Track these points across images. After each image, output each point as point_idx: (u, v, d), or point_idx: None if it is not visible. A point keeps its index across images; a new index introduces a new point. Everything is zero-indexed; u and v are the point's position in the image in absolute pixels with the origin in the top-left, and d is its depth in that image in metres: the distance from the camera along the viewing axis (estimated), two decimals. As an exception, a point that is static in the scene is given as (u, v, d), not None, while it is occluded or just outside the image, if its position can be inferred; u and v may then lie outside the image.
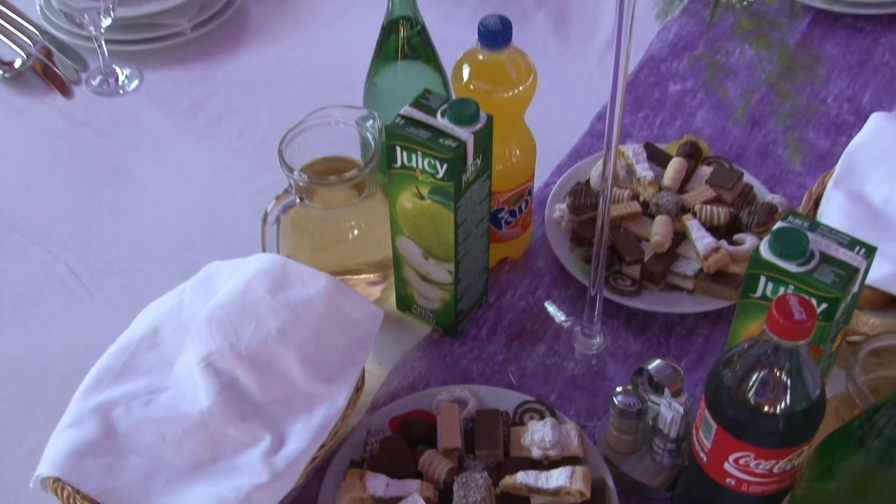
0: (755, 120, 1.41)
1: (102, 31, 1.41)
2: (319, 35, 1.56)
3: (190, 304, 1.02)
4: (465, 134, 0.98)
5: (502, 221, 1.19)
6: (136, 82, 1.48)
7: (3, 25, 1.55)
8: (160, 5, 1.52)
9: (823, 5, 1.52)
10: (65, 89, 1.47)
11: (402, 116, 1.00)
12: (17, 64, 1.49)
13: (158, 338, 1.01)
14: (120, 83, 1.48)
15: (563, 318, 1.19)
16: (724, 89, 1.33)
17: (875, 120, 1.19)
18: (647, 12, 1.57)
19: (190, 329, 1.00)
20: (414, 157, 1.00)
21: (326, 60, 1.51)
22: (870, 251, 0.87)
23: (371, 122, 1.09)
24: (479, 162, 1.02)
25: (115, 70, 1.48)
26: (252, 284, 1.00)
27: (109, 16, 1.39)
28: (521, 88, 1.10)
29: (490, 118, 1.01)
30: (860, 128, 1.22)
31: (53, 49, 1.51)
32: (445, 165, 0.98)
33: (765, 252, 0.87)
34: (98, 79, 1.48)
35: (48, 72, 1.49)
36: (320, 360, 0.99)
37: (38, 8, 1.55)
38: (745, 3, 1.57)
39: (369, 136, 1.08)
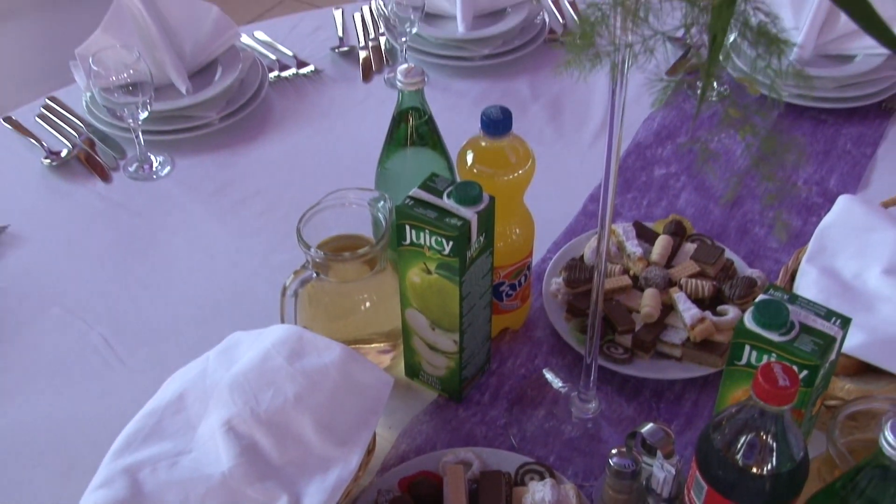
0: (734, 201, 1.41)
1: (140, 123, 1.42)
2: (335, 125, 1.56)
3: (213, 372, 1.00)
4: (469, 214, 0.97)
5: (503, 294, 1.17)
6: (168, 168, 1.48)
7: (52, 120, 1.55)
8: (192, 100, 1.53)
9: (791, 99, 1.51)
10: (105, 175, 1.46)
11: (411, 198, 0.99)
12: (64, 153, 1.48)
13: (183, 403, 0.99)
14: (154, 169, 1.47)
15: (560, 384, 1.17)
16: (714, 171, 1.33)
17: (842, 202, 1.19)
18: (633, 104, 1.57)
19: (213, 395, 0.97)
20: (422, 234, 0.99)
21: (341, 147, 1.51)
22: (845, 322, 0.87)
23: (382, 203, 1.08)
24: (482, 239, 1.01)
25: (149, 157, 1.48)
26: (271, 353, 0.98)
27: (146, 110, 1.40)
28: (520, 172, 1.09)
29: (492, 199, 1.00)
30: (828, 209, 1.22)
31: (96, 139, 1.52)
32: (451, 243, 0.97)
33: (749, 323, 0.86)
34: (134, 165, 1.47)
35: (90, 160, 1.49)
36: (334, 424, 0.97)
37: (83, 104, 1.55)
38: (726, 95, 1.58)
39: (381, 216, 1.07)
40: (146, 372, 1.15)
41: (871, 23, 0.60)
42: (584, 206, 1.40)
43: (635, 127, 1.54)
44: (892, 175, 1.45)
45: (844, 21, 1.59)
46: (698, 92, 1.57)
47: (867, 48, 1.57)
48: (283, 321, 1.09)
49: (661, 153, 1.50)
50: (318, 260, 1.05)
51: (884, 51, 1.54)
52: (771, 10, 0.58)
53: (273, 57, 1.68)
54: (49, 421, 1.12)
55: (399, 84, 1.08)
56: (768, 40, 0.55)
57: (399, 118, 1.11)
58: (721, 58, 0.58)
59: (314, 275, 1.07)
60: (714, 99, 1.58)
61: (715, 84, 1.58)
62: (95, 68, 1.35)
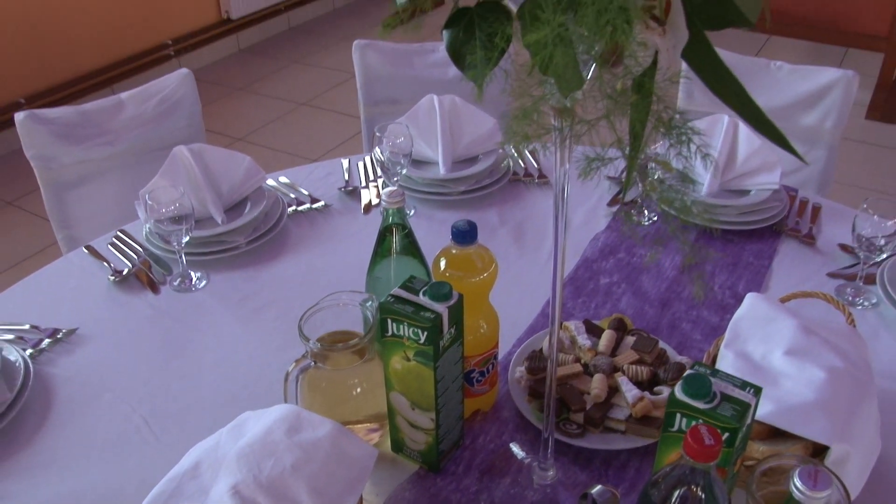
0: (664, 302, 1.35)
1: (183, 246, 1.37)
2: (339, 248, 1.51)
3: (224, 444, 0.91)
4: (441, 308, 0.91)
5: (474, 380, 1.09)
6: (204, 282, 1.41)
7: (120, 246, 1.51)
8: (225, 228, 1.49)
9: (706, 223, 1.51)
10: (155, 288, 1.40)
11: (392, 296, 0.92)
12: (125, 272, 1.43)
13: (199, 470, 0.89)
14: (193, 283, 1.41)
15: (524, 455, 1.07)
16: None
17: (749, 299, 1.14)
18: (581, 228, 1.53)
19: (223, 464, 0.88)
20: (401, 326, 0.91)
21: (344, 265, 1.44)
22: (757, 390, 0.81)
23: (370, 303, 1.00)
24: (453, 331, 0.94)
25: (190, 274, 1.42)
26: (272, 428, 0.89)
27: (188, 236, 1.36)
28: (485, 275, 1.03)
29: (461, 296, 0.93)
30: (739, 306, 1.15)
31: (150, 260, 1.46)
32: (426, 333, 0.90)
33: (679, 394, 0.78)
34: (178, 280, 1.41)
35: (145, 276, 1.43)
36: (326, 489, 0.87)
37: (143, 233, 1.51)
38: (653, 221, 1.54)
39: (369, 313, 1.00)
40: (175, 446, 1.05)
41: (766, 128, 0.56)
42: (543, 308, 1.33)
43: (583, 245, 1.49)
44: (785, 279, 1.40)
45: (740, 164, 1.58)
46: (633, 217, 1.54)
47: (758, 185, 1.56)
48: (286, 402, 1.00)
49: (605, 266, 1.44)
50: (315, 350, 0.97)
51: (772, 186, 1.54)
52: (677, 106, 0.53)
53: (292, 195, 1.64)
54: (97, 487, 1.04)
55: (384, 203, 1.02)
56: (678, 132, 0.50)
57: (385, 232, 1.06)
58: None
59: (313, 363, 0.98)
60: (646, 223, 1.54)
61: (646, 212, 1.55)
62: (150, 203, 1.32)
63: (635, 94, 0.50)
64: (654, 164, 1.42)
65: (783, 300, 1.16)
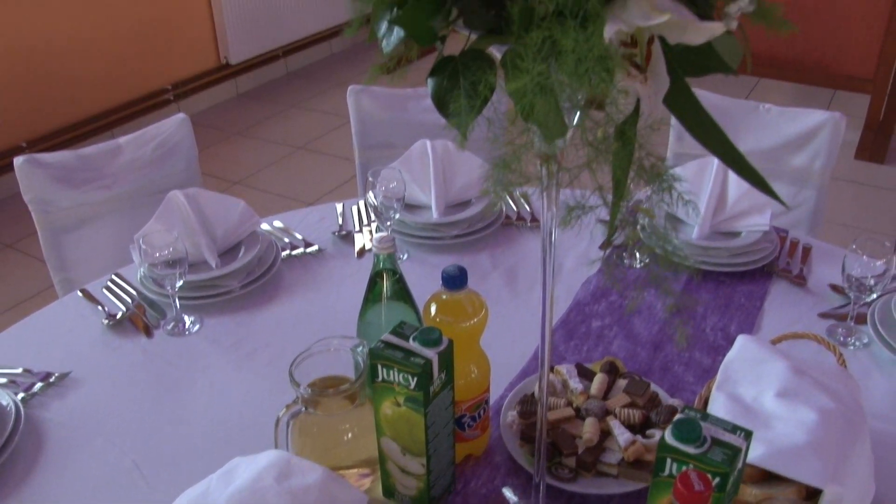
0: (656, 344, 1.34)
1: (176, 290, 1.37)
2: (332, 292, 1.50)
3: (214, 490, 0.89)
4: (431, 354, 0.90)
5: (465, 424, 1.07)
6: (198, 326, 1.41)
7: (114, 290, 1.50)
8: (218, 272, 1.48)
9: (698, 265, 1.50)
10: (148, 332, 1.39)
11: (383, 341, 0.92)
12: (119, 315, 1.42)
13: (187, 520, 0.87)
14: (187, 327, 1.40)
15: (516, 500, 1.06)
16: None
17: (740, 340, 1.13)
18: (574, 271, 1.53)
19: (211, 513, 0.86)
20: (391, 372, 0.90)
21: (337, 309, 1.44)
22: (748, 434, 0.79)
23: (360, 348, 1.00)
24: (443, 376, 0.93)
25: (183, 318, 1.41)
26: (262, 475, 0.88)
27: (182, 280, 1.35)
28: (475, 320, 1.02)
29: (451, 342, 0.93)
30: (731, 348, 1.14)
31: (145, 304, 1.45)
32: (416, 378, 0.89)
33: (669, 439, 0.77)
34: (171, 324, 1.40)
35: (139, 320, 1.42)
36: (315, 537, 0.85)
37: (138, 277, 1.51)
38: (644, 264, 1.53)
39: (359, 358, 0.99)
40: (166, 491, 1.05)
41: (748, 174, 0.56)
42: (535, 352, 1.32)
43: (575, 289, 1.49)
44: (777, 320, 1.40)
45: (730, 206, 1.59)
46: (624, 259, 1.54)
47: (748, 226, 1.56)
48: (276, 447, 0.98)
49: (597, 309, 1.43)
50: (306, 396, 0.96)
51: (762, 227, 1.54)
52: (657, 152, 0.53)
53: (286, 240, 1.64)
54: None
55: (374, 248, 1.02)
56: (661, 178, 0.50)
57: (375, 277, 1.05)
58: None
59: (303, 409, 0.97)
60: (637, 266, 1.54)
61: (638, 255, 1.55)
62: (144, 247, 1.32)
63: (617, 141, 0.50)
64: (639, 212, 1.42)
65: (774, 341, 1.16)
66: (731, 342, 1.18)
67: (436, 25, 0.54)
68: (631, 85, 0.50)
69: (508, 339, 1.33)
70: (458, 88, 0.53)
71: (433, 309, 1.02)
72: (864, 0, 4.39)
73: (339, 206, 1.74)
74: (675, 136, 1.99)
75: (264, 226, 1.66)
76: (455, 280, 1.00)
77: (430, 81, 0.56)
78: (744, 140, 1.93)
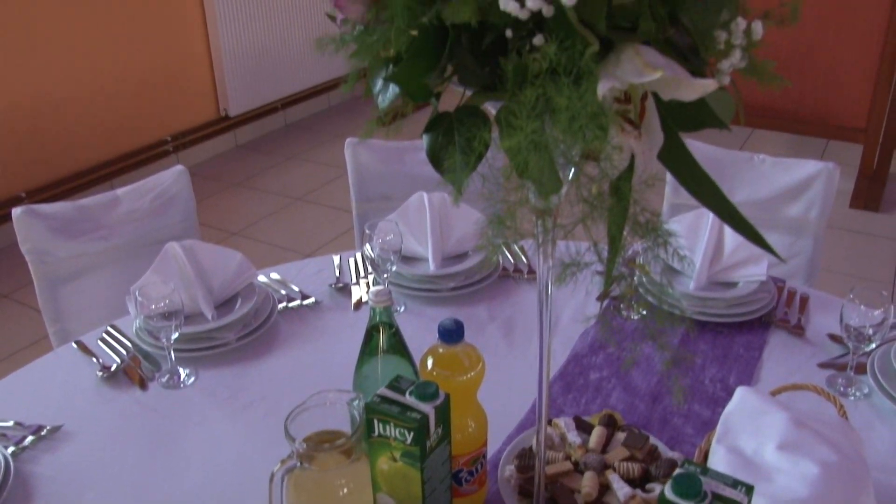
0: (655, 396, 1.32)
1: (172, 342, 1.36)
2: (329, 343, 1.49)
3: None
4: (427, 409, 0.89)
5: (462, 479, 1.06)
6: (193, 379, 1.40)
7: (109, 342, 1.49)
8: (214, 324, 1.47)
9: (694, 316, 1.50)
10: (143, 385, 1.38)
11: (379, 395, 0.91)
12: (113, 367, 1.41)
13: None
14: (182, 380, 1.39)
15: (514, 558, 1.03)
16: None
17: (740, 392, 1.13)
18: (571, 323, 1.52)
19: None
20: (388, 427, 0.90)
21: (333, 362, 1.43)
22: (749, 489, 0.79)
23: (356, 402, 0.98)
24: (440, 431, 0.92)
25: (178, 370, 1.40)
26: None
27: (177, 332, 1.35)
28: (472, 374, 1.01)
29: (447, 396, 0.92)
30: (730, 400, 1.13)
31: (140, 356, 1.44)
32: (412, 433, 0.89)
33: (669, 494, 0.76)
34: (166, 377, 1.39)
35: (133, 372, 1.41)
36: None
37: (133, 328, 1.50)
38: (642, 315, 1.53)
39: (356, 413, 0.97)
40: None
41: (743, 228, 0.56)
42: (532, 405, 1.31)
43: (573, 340, 1.48)
44: (776, 370, 1.39)
45: (727, 257, 1.59)
46: (622, 311, 1.53)
47: (745, 277, 1.56)
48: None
49: (594, 361, 1.43)
50: (301, 451, 0.94)
51: (759, 278, 1.54)
52: (651, 207, 0.53)
53: (283, 292, 1.63)
54: None
55: (371, 302, 1.01)
56: (656, 233, 0.49)
57: (372, 331, 1.04)
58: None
59: (298, 463, 0.95)
60: (635, 318, 1.54)
61: (635, 305, 1.54)
62: (140, 299, 1.32)
63: (612, 197, 0.50)
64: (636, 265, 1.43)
65: (774, 393, 1.15)
66: (730, 393, 1.17)
67: (431, 82, 0.54)
68: (625, 141, 0.50)
69: (506, 391, 1.31)
70: (453, 145, 0.53)
71: (430, 362, 1.01)
72: (854, 52, 4.46)
73: (336, 259, 1.74)
74: (671, 188, 2.00)
75: (261, 278, 1.66)
76: (452, 333, 0.99)
77: (425, 137, 0.56)
78: (739, 191, 1.94)
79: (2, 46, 3.44)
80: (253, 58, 4.58)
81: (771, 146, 4.52)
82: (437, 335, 1.01)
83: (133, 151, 4.10)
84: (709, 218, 1.63)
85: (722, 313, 1.50)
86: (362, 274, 1.69)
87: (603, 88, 0.45)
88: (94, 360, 1.43)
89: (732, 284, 1.56)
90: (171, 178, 1.91)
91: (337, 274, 1.69)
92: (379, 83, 0.59)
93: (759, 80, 0.60)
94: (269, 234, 3.67)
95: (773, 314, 1.53)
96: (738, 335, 1.48)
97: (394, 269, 1.53)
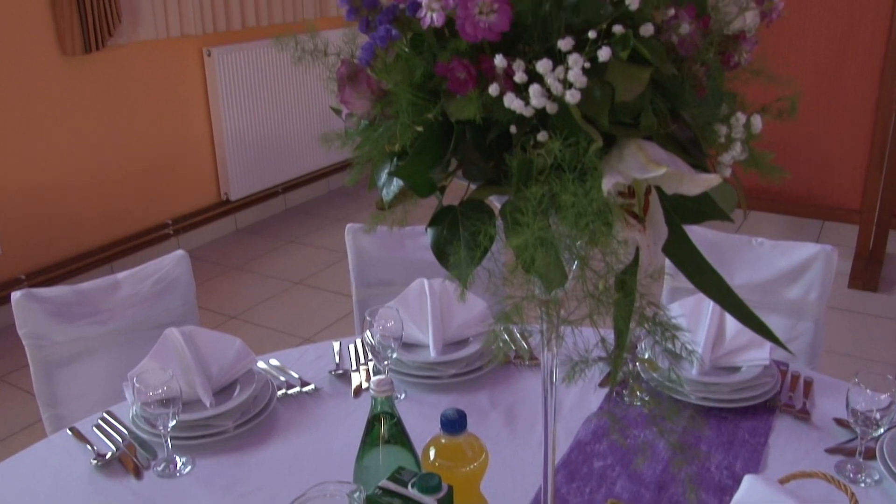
0: (660, 484, 1.30)
1: (169, 430, 1.34)
2: (328, 431, 1.47)
3: None
4: (430, 501, 0.87)
5: (466, 574, 1.02)
6: (189, 467, 1.37)
7: (105, 429, 1.47)
8: (213, 412, 1.45)
9: (698, 402, 1.48)
10: (138, 473, 1.35)
11: (380, 488, 0.89)
12: (108, 455, 1.39)
13: None
14: (178, 468, 1.36)
15: None
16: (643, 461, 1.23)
17: (747, 481, 1.11)
18: (574, 409, 1.50)
19: None
20: (390, 520, 0.86)
21: (333, 450, 1.40)
22: None
23: (357, 494, 0.96)
24: (443, 524, 0.88)
25: (175, 459, 1.38)
26: None
27: (175, 419, 1.33)
28: (475, 465, 1.00)
29: (450, 488, 0.90)
30: (737, 488, 1.12)
31: (136, 444, 1.42)
32: None
33: None
34: (162, 465, 1.37)
35: (128, 461, 1.38)
36: None
37: (130, 415, 1.48)
38: (645, 401, 1.51)
39: (356, 504, 0.95)
40: None
41: (749, 320, 0.55)
42: (536, 495, 1.28)
43: (576, 427, 1.45)
44: (783, 456, 1.36)
45: (729, 341, 1.58)
46: (625, 397, 1.52)
47: (748, 361, 1.55)
48: None
49: (598, 448, 1.40)
50: (300, 546, 0.91)
51: (762, 362, 1.53)
52: (658, 301, 0.52)
53: (282, 378, 1.62)
54: None
55: (372, 392, 1.00)
56: (663, 327, 0.49)
57: (373, 420, 1.03)
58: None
59: (297, 560, 0.93)
60: (638, 404, 1.52)
61: (639, 392, 1.53)
62: (138, 385, 1.30)
63: (618, 291, 0.50)
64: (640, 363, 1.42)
65: (783, 481, 1.12)
66: (737, 481, 1.15)
67: (435, 177, 0.55)
68: (630, 234, 0.50)
69: (509, 481, 1.29)
70: (458, 239, 0.53)
71: (432, 453, 1.00)
72: (846, 137, 4.54)
73: (336, 345, 1.73)
74: (671, 271, 2.01)
75: (260, 364, 1.65)
76: (454, 424, 0.98)
77: (430, 231, 0.56)
78: (738, 274, 1.95)
79: (6, 130, 3.50)
80: (254, 143, 4.66)
81: (768, 227, 4.55)
82: (438, 423, 1.00)
83: (134, 234, 4.13)
84: (710, 302, 1.62)
85: (726, 398, 1.48)
86: (362, 360, 1.67)
87: (608, 185, 0.45)
88: (89, 447, 1.41)
89: (735, 369, 1.55)
90: (171, 262, 1.91)
91: (337, 360, 1.67)
92: (383, 176, 0.60)
93: (758, 172, 0.60)
94: (269, 318, 3.66)
95: (778, 398, 1.51)
96: (742, 420, 1.46)
97: (394, 355, 1.52)
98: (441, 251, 0.54)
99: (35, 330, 1.74)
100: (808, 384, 1.56)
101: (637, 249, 0.52)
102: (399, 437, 1.04)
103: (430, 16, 0.50)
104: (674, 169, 0.46)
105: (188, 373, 1.49)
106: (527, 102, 0.48)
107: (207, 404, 1.46)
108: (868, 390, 1.27)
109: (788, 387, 1.55)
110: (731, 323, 1.60)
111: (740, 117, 0.53)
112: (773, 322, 1.98)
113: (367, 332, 1.50)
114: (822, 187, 4.70)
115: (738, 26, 0.56)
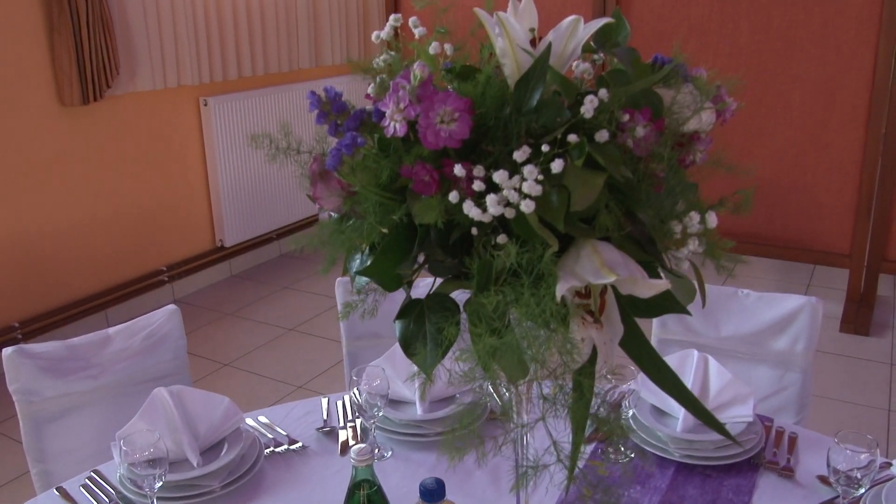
0: None
1: (155, 491, 1.34)
2: (315, 490, 1.47)
3: None
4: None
5: None
6: (174, 532, 1.36)
7: (92, 488, 1.47)
8: (200, 472, 1.46)
9: (683, 459, 1.49)
10: (123, 539, 1.34)
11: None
12: None
13: None
14: (163, 532, 1.35)
15: None
16: None
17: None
18: (558, 468, 1.50)
19: None
20: None
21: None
22: None
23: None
24: None
25: (160, 523, 1.37)
26: None
27: (161, 480, 1.33)
28: (454, 533, 0.99)
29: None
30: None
31: (122, 505, 1.42)
32: None
33: None
34: (148, 529, 1.36)
35: (114, 524, 1.38)
36: None
37: (117, 475, 1.47)
38: (630, 458, 1.51)
39: (337, 575, 0.96)
40: None
41: (705, 417, 0.57)
42: (520, 555, 1.27)
43: (561, 486, 1.45)
44: (769, 520, 1.37)
45: (712, 398, 1.59)
46: (609, 454, 1.52)
47: (732, 418, 1.56)
48: None
49: (582, 506, 1.40)
50: None
51: (746, 419, 1.54)
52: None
53: (270, 436, 1.62)
54: None
55: (353, 461, 1.01)
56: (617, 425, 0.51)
57: (354, 488, 1.04)
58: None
59: None
60: (623, 461, 1.52)
61: (622, 448, 1.53)
62: (125, 448, 1.31)
63: (575, 392, 0.51)
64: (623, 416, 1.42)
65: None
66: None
67: (402, 273, 0.57)
68: (586, 333, 0.52)
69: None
70: (424, 333, 0.55)
71: (411, 523, 1.00)
72: (836, 180, 4.59)
73: (325, 401, 1.74)
74: (658, 323, 2.03)
75: (249, 421, 1.66)
76: (432, 494, 0.99)
77: (397, 324, 0.58)
78: (725, 325, 1.96)
79: (2, 179, 3.53)
80: (249, 190, 4.70)
81: (758, 271, 4.58)
82: (406, 489, 1.01)
83: (129, 281, 4.14)
84: (693, 359, 1.64)
85: (710, 455, 1.49)
86: (349, 417, 1.68)
87: (562, 290, 0.48)
88: (74, 508, 1.41)
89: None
90: (162, 316, 1.93)
91: (325, 417, 1.68)
92: (355, 265, 0.62)
93: (716, 261, 0.62)
94: (262, 366, 3.67)
95: (762, 455, 1.52)
96: (726, 478, 1.47)
97: (381, 413, 1.53)
98: (407, 344, 0.56)
99: (26, 386, 1.75)
100: (793, 439, 1.57)
101: (594, 348, 0.54)
102: (379, 503, 1.05)
103: (394, 126, 0.53)
104: (626, 275, 0.48)
105: (176, 432, 1.50)
106: (484, 210, 0.51)
107: (195, 464, 1.47)
108: (847, 450, 1.28)
109: (773, 442, 1.56)
110: (715, 379, 1.62)
111: (694, 216, 0.56)
112: (761, 374, 2.00)
113: (354, 391, 1.51)
114: (812, 231, 4.73)
115: (694, 126, 0.59)
